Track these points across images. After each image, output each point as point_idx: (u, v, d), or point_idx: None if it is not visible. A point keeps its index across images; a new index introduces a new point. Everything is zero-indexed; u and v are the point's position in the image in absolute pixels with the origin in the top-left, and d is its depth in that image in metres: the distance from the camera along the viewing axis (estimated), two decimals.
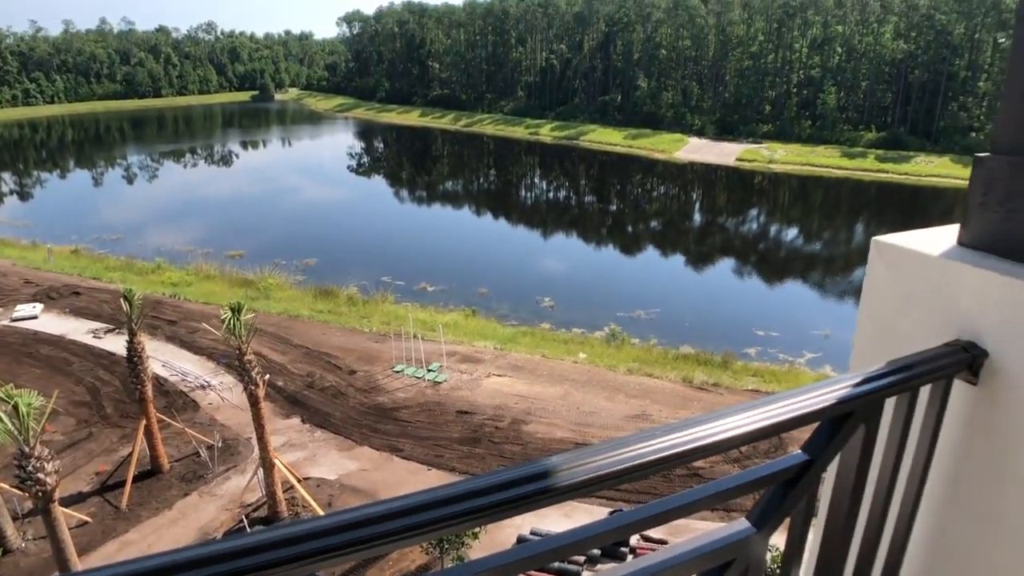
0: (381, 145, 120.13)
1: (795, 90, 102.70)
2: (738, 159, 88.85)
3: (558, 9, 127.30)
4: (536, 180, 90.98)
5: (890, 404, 1.38)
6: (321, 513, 20.32)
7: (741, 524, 1.20)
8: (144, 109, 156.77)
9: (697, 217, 70.03)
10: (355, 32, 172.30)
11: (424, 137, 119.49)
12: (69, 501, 20.60)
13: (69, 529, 17.93)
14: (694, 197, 79.91)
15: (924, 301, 1.58)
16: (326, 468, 22.98)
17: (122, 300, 22.72)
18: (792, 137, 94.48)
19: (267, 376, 22.78)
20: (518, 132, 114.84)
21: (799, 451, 1.25)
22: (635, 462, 0.97)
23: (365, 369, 29.77)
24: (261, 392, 20.26)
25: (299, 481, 21.30)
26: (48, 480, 16.66)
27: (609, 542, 1.02)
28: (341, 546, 0.75)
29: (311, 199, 71.57)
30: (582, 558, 17.67)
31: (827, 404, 1.23)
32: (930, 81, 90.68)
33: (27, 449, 16.53)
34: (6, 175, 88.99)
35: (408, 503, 0.79)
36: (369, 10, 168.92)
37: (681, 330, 35.47)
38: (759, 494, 1.25)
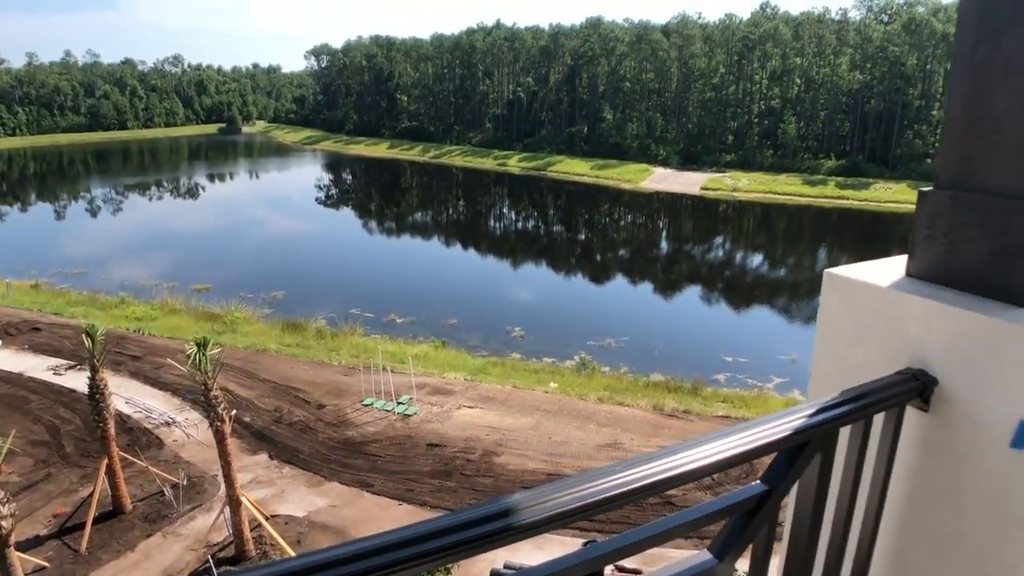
0: (350, 177, 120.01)
1: (756, 120, 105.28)
2: (703, 188, 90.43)
3: (524, 43, 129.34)
4: (505, 210, 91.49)
5: (845, 432, 1.41)
6: (290, 552, 19.79)
7: (703, 556, 1.21)
8: (109, 142, 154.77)
9: (664, 245, 70.90)
10: (323, 65, 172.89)
11: (393, 169, 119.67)
12: (26, 545, 19.83)
13: (25, 575, 17.25)
14: (661, 226, 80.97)
15: (876, 331, 1.64)
16: (294, 505, 22.50)
17: (84, 335, 22.18)
18: (755, 166, 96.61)
19: (234, 412, 22.34)
20: (486, 163, 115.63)
21: (758, 482, 1.27)
22: (601, 496, 0.97)
23: (334, 403, 29.36)
24: (228, 428, 19.85)
25: (267, 519, 20.82)
26: (3, 524, 16.06)
27: (583, 573, 1.02)
28: None
29: (279, 231, 71.02)
30: None
31: (783, 435, 1.25)
32: (886, 110, 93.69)
33: None
34: None
35: (379, 542, 0.78)
36: (337, 44, 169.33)
37: (651, 357, 35.67)
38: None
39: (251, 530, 20.31)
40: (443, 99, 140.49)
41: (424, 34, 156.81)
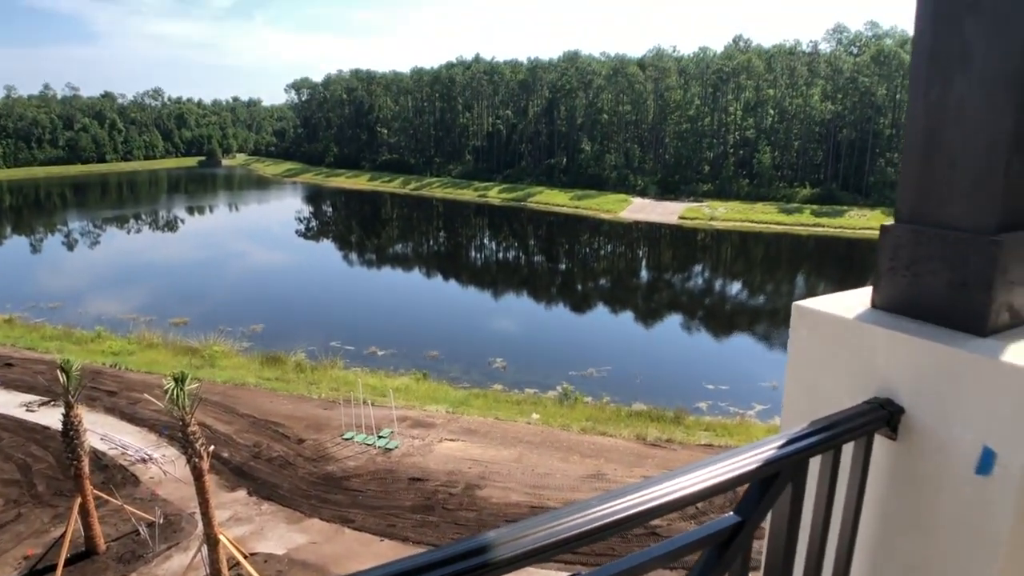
0: (330, 209, 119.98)
1: (732, 150, 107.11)
2: (681, 217, 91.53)
3: (503, 76, 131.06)
4: (486, 241, 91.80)
5: (816, 462, 1.43)
6: None
7: None
8: (87, 175, 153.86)
9: (644, 274, 71.39)
10: (303, 99, 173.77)
11: (373, 201, 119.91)
12: None
13: None
14: (640, 255, 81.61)
15: (843, 362, 1.68)
16: (274, 542, 22.07)
17: (59, 370, 21.78)
18: (731, 195, 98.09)
19: (212, 447, 21.97)
20: (467, 195, 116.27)
21: (731, 513, 1.28)
22: (579, 530, 0.99)
23: (314, 437, 28.98)
24: (205, 464, 19.51)
25: (245, 557, 20.37)
26: None
27: None
28: None
29: (258, 264, 70.65)
30: None
31: (754, 466, 1.28)
32: (858, 139, 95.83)
33: None
34: None
35: None
36: (317, 77, 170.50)
37: (633, 387, 35.68)
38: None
39: (229, 569, 19.86)
40: (423, 131, 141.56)
41: (404, 68, 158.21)
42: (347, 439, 28.48)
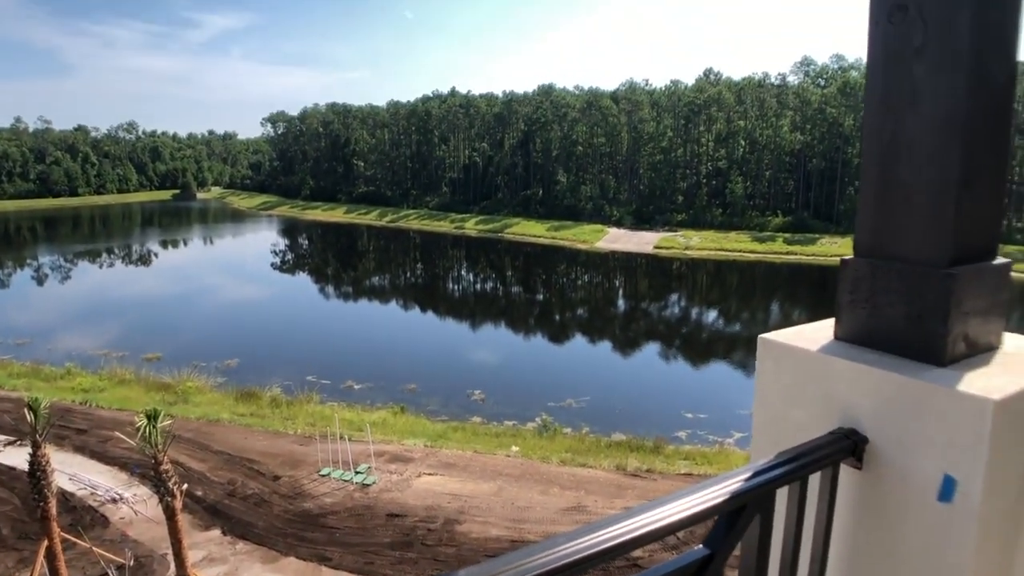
0: (306, 242, 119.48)
1: (705, 180, 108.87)
2: (656, 247, 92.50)
3: (479, 110, 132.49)
4: (463, 273, 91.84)
5: (783, 493, 1.45)
6: None
7: None
8: (59, 208, 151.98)
9: (621, 304, 71.74)
10: (279, 132, 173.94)
11: (350, 233, 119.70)
12: None
13: None
14: (617, 285, 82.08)
15: (808, 393, 1.72)
16: None
17: (26, 409, 21.27)
18: (705, 224, 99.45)
19: (185, 486, 21.50)
20: (444, 226, 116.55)
21: (701, 546, 1.29)
22: (549, 567, 1.00)
23: (290, 474, 28.49)
24: (178, 503, 19.08)
25: None
26: None
27: None
28: None
29: (233, 298, 69.93)
30: None
31: (721, 499, 1.29)
32: (827, 168, 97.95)
33: None
34: None
35: None
36: (293, 111, 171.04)
37: (612, 417, 35.62)
38: None
39: None
40: (400, 164, 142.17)
41: (380, 101, 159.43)
42: (324, 475, 28.03)
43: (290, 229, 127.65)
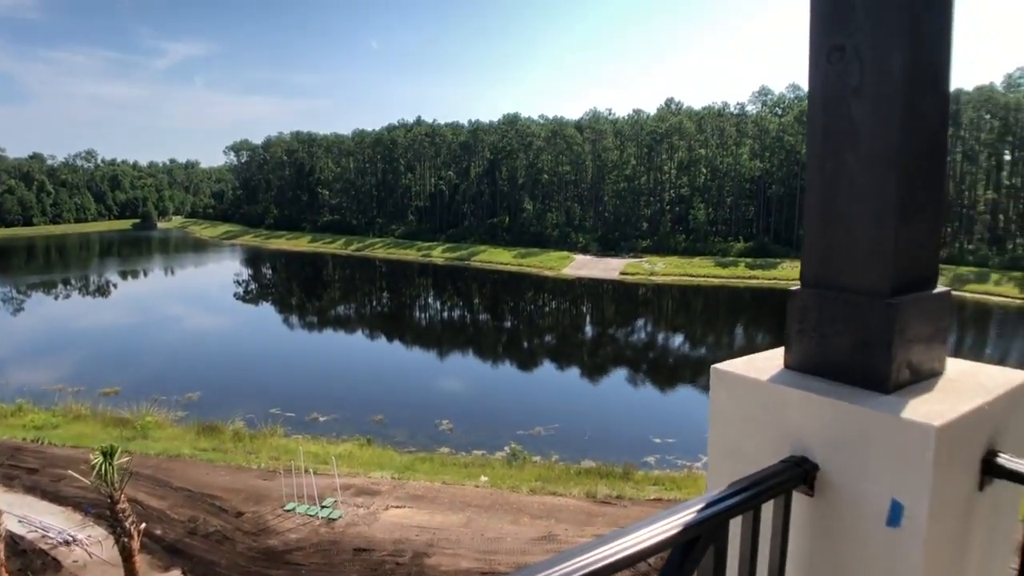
0: (270, 272, 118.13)
1: (668, 207, 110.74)
2: (622, 273, 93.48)
3: (445, 138, 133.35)
4: (430, 301, 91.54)
5: (736, 523, 1.46)
6: None
7: None
8: (12, 238, 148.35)
9: (589, 330, 72.07)
10: (243, 160, 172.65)
11: (315, 262, 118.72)
12: None
13: None
14: (584, 311, 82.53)
15: (760, 422, 1.74)
16: None
17: None
18: (669, 250, 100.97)
19: (143, 525, 20.85)
20: (410, 255, 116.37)
21: None
22: None
23: (253, 510, 27.81)
24: (136, 544, 18.49)
25: None
26: None
27: None
28: None
29: (195, 329, 68.63)
30: None
31: (674, 532, 1.29)
32: (786, 195, 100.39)
33: None
34: None
35: None
36: (257, 139, 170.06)
37: (581, 443, 35.56)
38: None
39: None
40: (365, 192, 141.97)
41: (345, 130, 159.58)
42: (288, 510, 27.42)
43: (253, 258, 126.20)
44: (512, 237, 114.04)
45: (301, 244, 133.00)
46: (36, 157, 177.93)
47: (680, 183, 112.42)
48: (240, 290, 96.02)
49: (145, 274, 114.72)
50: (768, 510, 1.56)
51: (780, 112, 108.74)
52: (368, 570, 23.33)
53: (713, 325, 73.41)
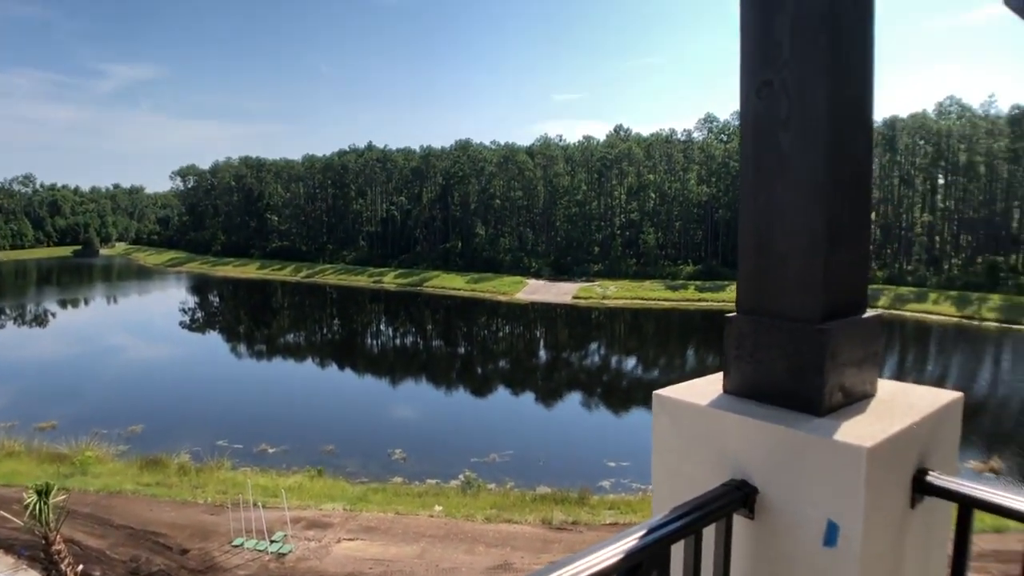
0: (217, 299, 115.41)
1: (619, 232, 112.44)
2: (574, 297, 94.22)
3: (396, 164, 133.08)
4: (382, 328, 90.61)
5: (678, 548, 1.47)
6: None
7: None
8: None
9: (543, 354, 72.22)
10: (189, 185, 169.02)
11: (263, 289, 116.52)
12: None
13: None
14: (538, 335, 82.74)
15: (701, 446, 1.77)
16: None
17: None
18: (621, 274, 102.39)
19: (80, 567, 19.94)
20: (361, 281, 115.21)
21: None
22: None
23: (199, 546, 26.86)
24: None
25: None
26: None
27: None
28: None
29: (138, 360, 66.48)
30: None
31: (616, 559, 1.29)
32: (733, 219, 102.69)
33: None
34: None
35: None
36: (205, 164, 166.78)
37: (536, 469, 35.44)
38: None
39: None
40: (315, 218, 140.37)
41: (295, 155, 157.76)
42: (236, 546, 26.56)
43: (200, 286, 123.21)
44: (465, 262, 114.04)
45: (249, 271, 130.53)
46: None
47: (630, 208, 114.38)
48: (186, 319, 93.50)
49: (86, 303, 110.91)
50: (710, 534, 1.57)
51: (725, 139, 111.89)
52: None
53: (665, 347, 74.40)
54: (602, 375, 63.26)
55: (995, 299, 79.38)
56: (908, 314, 79.86)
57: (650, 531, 1.40)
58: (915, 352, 69.75)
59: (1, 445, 39.02)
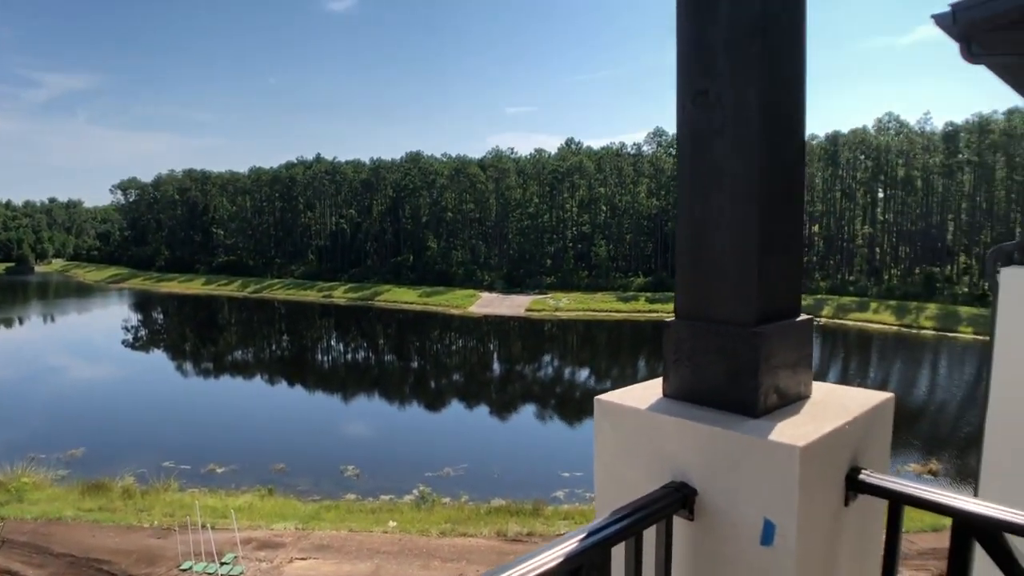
0: (161, 316, 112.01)
1: (571, 244, 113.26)
2: (528, 309, 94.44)
3: (345, 176, 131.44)
4: (332, 343, 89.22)
5: (619, 551, 1.49)
6: None
7: None
8: None
9: (496, 367, 72.08)
10: (131, 199, 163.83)
11: (209, 305, 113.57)
12: None
13: None
14: (492, 348, 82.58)
15: (642, 450, 1.83)
16: None
17: None
18: (573, 286, 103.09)
19: None
20: (311, 295, 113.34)
21: None
22: None
23: (146, 572, 25.95)
24: None
25: None
26: None
27: None
28: None
29: (78, 380, 64.06)
30: None
31: (556, 563, 1.30)
32: None
33: None
34: None
35: None
36: (147, 177, 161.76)
37: (491, 482, 35.30)
38: None
39: None
40: (263, 232, 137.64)
41: (242, 168, 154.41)
42: (185, 569, 25.75)
43: (143, 303, 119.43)
44: (417, 276, 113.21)
45: (195, 287, 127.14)
46: None
47: (582, 221, 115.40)
48: (129, 337, 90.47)
49: (20, 322, 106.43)
50: (650, 536, 1.62)
51: (674, 152, 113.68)
52: None
53: (617, 357, 75.09)
54: (555, 386, 63.48)
55: (932, 308, 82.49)
56: (851, 323, 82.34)
57: (590, 534, 1.44)
58: (857, 360, 71.90)
59: None
